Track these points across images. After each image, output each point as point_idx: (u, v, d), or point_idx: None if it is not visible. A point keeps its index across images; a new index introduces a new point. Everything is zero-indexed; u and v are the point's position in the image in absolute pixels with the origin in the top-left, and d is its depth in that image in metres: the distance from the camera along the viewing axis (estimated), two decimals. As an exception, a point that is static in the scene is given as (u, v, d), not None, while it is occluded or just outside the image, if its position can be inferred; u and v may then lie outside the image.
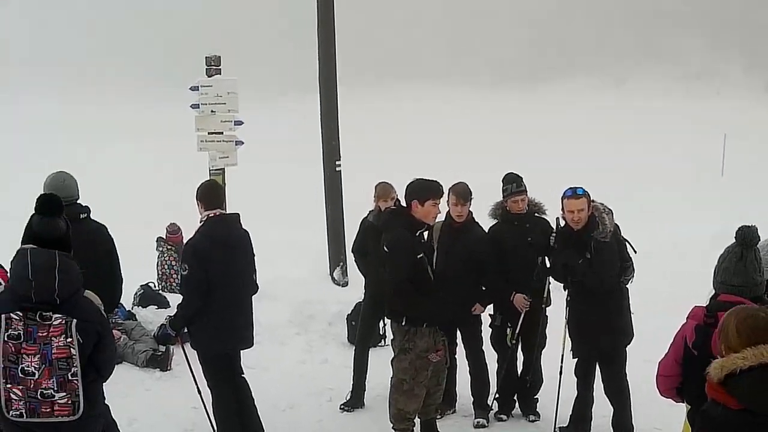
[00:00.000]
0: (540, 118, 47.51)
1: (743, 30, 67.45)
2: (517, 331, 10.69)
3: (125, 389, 10.71)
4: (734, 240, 6.45)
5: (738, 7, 67.88)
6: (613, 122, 46.19)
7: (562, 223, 10.21)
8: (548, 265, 10.49)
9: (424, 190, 9.38)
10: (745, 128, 42.40)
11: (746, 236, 6.36)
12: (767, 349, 5.20)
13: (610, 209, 10.00)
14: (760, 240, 6.42)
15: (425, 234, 9.77)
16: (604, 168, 32.21)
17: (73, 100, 49.42)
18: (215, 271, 9.22)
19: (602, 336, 9.69)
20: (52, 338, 6.22)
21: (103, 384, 7.02)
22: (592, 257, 9.76)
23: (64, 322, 6.24)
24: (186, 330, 9.73)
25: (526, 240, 10.62)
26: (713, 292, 6.57)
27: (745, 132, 41.13)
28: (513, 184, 10.71)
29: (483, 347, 11.07)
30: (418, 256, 9.27)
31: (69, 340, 6.24)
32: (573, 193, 9.85)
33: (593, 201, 9.94)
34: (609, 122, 46.20)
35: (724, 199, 26.54)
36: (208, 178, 9.90)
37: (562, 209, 10.01)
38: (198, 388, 9.80)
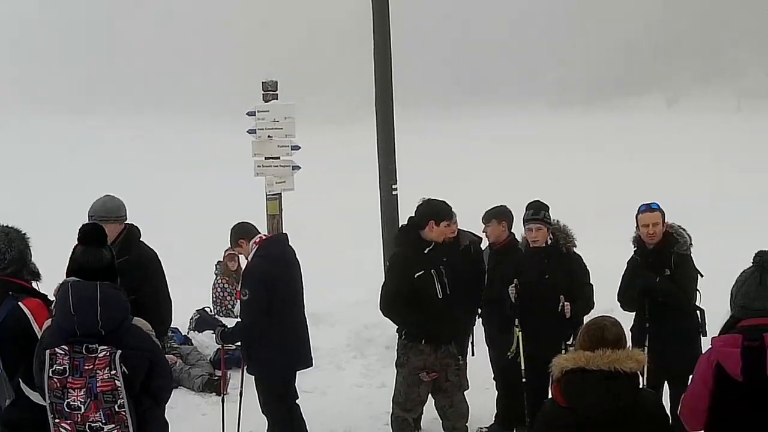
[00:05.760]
0: (598, 139, 47.33)
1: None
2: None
3: (181, 414, 10.70)
4: (752, 264, 6.37)
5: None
6: (667, 141, 46.01)
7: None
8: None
9: (441, 211, 9.53)
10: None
11: (765, 261, 6.28)
12: (585, 355, 5.69)
13: (683, 227, 9.84)
14: None
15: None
16: (658, 188, 31.91)
17: (129, 126, 49.89)
18: (277, 291, 9.28)
19: (680, 357, 9.17)
20: (97, 371, 6.15)
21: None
22: (674, 272, 9.59)
23: (108, 354, 6.17)
24: (242, 353, 9.83)
25: (544, 277, 10.07)
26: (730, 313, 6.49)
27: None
28: (530, 210, 10.16)
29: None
30: (417, 275, 9.32)
31: (113, 372, 6.16)
32: (647, 208, 9.71)
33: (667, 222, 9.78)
34: (662, 141, 46.02)
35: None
36: (236, 222, 9.92)
37: (637, 226, 9.79)
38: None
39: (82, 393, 6.17)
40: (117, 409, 6.23)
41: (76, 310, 6.24)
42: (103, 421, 6.23)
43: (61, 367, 6.18)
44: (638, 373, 5.80)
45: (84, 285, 6.35)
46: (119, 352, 6.19)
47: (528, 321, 10.01)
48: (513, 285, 10.05)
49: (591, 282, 10.17)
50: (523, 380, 10.07)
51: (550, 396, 6.01)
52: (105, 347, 6.18)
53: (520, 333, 10.06)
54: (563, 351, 9.31)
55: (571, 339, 9.52)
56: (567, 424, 5.81)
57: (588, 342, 5.82)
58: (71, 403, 6.19)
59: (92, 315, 6.23)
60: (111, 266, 6.58)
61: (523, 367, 10.07)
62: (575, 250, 10.24)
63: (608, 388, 5.66)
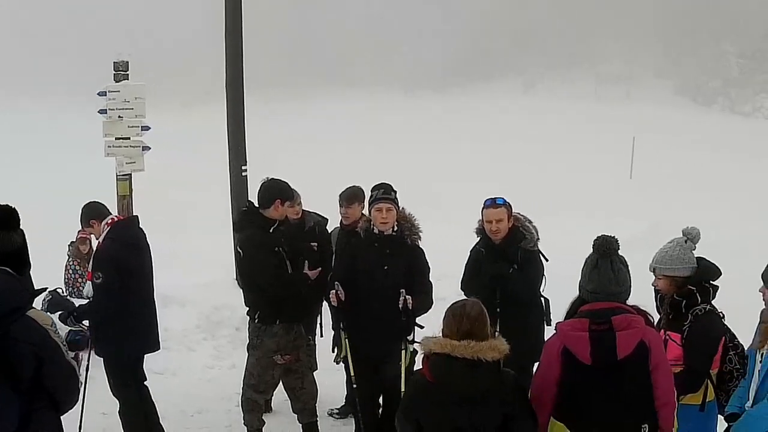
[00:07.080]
0: (452, 123, 47.83)
1: (654, 34, 68.65)
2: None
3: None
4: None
5: (650, 12, 69.08)
6: (522, 126, 46.69)
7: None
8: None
9: (286, 191, 9.71)
10: (654, 131, 43.07)
11: (601, 246, 6.53)
12: (452, 344, 6.12)
13: (530, 219, 9.70)
14: (618, 249, 6.53)
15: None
16: (512, 172, 32.51)
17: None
18: (127, 274, 9.31)
19: (526, 347, 8.62)
20: None
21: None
22: (520, 268, 9.39)
23: None
24: (91, 335, 9.83)
25: (383, 268, 9.52)
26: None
27: (653, 135, 41.80)
28: (380, 190, 9.60)
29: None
30: (274, 250, 9.48)
31: None
32: (492, 203, 9.40)
33: (514, 213, 9.59)
34: (518, 126, 46.69)
35: (633, 202, 26.99)
36: (86, 202, 9.84)
37: (482, 220, 9.53)
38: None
39: None
40: None
41: None
42: None
43: None
44: (500, 361, 6.18)
45: None
46: None
47: (361, 316, 9.51)
48: (334, 291, 9.50)
49: (431, 280, 9.78)
50: (354, 386, 9.84)
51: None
52: None
53: (347, 339, 9.68)
54: (402, 349, 9.35)
55: (412, 335, 9.39)
56: (434, 399, 6.23)
57: (452, 318, 6.24)
58: None
59: None
60: (20, 251, 6.23)
61: (352, 374, 9.78)
62: (419, 243, 9.74)
63: (471, 374, 6.07)
